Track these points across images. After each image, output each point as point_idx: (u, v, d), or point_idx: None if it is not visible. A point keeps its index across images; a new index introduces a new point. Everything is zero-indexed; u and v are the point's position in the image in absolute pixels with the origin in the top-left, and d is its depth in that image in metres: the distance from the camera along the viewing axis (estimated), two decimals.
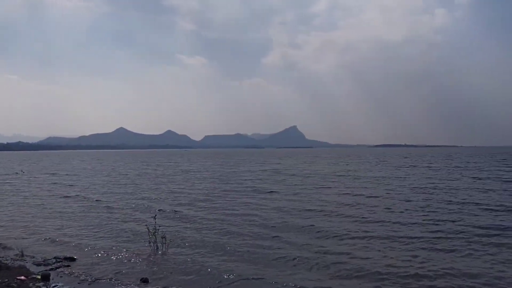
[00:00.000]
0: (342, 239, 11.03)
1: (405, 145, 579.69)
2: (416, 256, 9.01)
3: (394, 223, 12.86)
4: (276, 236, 11.29)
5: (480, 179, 27.92)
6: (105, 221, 14.03)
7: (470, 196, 18.41)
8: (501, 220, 12.85)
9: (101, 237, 11.75)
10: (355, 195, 20.02)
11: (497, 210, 14.77)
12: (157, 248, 9.93)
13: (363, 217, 13.98)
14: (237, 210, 15.90)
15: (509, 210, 14.57)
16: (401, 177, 29.77)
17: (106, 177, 34.79)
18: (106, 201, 19.11)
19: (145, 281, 7.78)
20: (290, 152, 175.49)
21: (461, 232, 11.47)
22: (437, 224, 12.44)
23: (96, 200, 19.53)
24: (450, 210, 15.04)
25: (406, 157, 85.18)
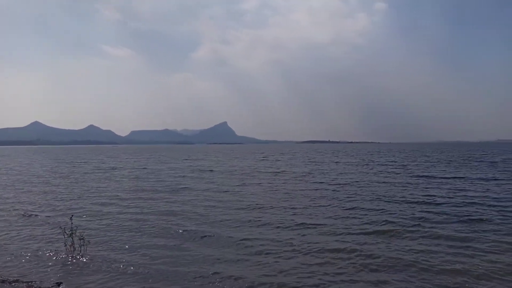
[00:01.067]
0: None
1: (329, 141, 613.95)
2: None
3: (325, 217, 13.47)
4: (198, 232, 11.26)
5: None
6: (14, 225, 12.93)
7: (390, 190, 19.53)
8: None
9: (11, 241, 10.89)
10: (276, 190, 20.58)
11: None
12: (74, 249, 9.56)
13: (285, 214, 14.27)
14: (158, 208, 15.55)
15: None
16: (325, 171, 31.40)
17: (15, 177, 31.37)
18: (12, 203, 17.31)
19: (59, 284, 7.58)
20: (220, 148, 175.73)
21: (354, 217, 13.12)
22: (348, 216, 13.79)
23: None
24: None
25: (323, 152, 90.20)
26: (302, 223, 12.32)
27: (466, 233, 10.73)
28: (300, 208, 15.23)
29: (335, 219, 13.16)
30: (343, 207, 15.44)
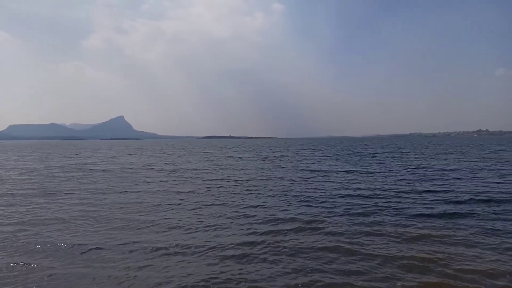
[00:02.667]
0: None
1: (230, 137, 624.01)
2: None
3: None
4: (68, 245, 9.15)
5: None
6: None
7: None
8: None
9: None
10: (167, 189, 18.66)
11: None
12: None
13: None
14: (22, 217, 12.39)
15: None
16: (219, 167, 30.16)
17: None
18: None
19: None
20: (114, 144, 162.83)
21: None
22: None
23: None
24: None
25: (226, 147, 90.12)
26: (190, 224, 11.01)
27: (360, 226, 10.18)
28: (192, 208, 13.90)
29: (231, 218, 12.16)
30: (240, 204, 14.44)
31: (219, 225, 11.19)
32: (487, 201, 14.45)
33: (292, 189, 18.23)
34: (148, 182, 21.47)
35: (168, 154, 57.57)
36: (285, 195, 16.61)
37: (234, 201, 15.20)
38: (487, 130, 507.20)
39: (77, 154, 59.29)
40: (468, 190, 17.18)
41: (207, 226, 11.11)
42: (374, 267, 7.77)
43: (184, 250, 8.91)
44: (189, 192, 17.89)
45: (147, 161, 40.37)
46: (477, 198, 15.01)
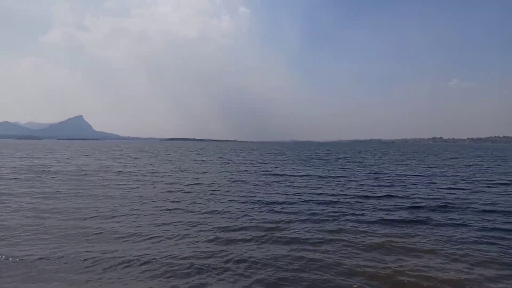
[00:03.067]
0: None
1: (194, 139, 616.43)
2: None
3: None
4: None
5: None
6: None
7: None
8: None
9: None
10: (125, 194, 17.59)
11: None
12: None
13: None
14: None
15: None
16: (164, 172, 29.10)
17: None
18: None
19: None
20: (72, 144, 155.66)
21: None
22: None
23: None
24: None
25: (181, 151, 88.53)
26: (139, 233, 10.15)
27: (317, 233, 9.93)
28: (151, 213, 13.26)
29: (192, 224, 11.61)
30: (201, 210, 13.86)
31: (179, 233, 10.56)
32: (443, 206, 14.83)
33: (255, 194, 17.86)
34: (105, 186, 20.31)
35: (128, 156, 55.48)
36: (248, 200, 16.20)
37: (196, 206, 14.60)
38: (441, 137, 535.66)
39: (30, 155, 55.71)
40: (424, 195, 17.63)
41: (167, 234, 10.48)
42: (335, 274, 7.55)
43: (141, 261, 8.28)
44: (148, 196, 17.02)
45: (105, 163, 38.56)
46: (434, 204, 15.38)
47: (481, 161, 49.01)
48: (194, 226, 11.46)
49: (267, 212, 13.53)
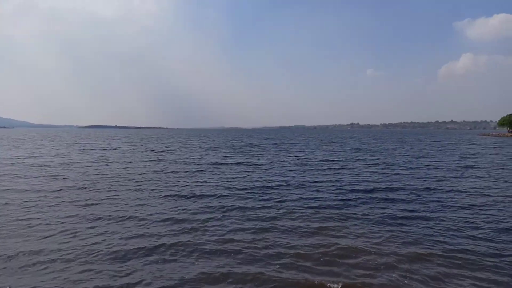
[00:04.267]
0: None
1: (116, 127, 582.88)
2: None
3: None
4: None
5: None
6: None
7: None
8: None
9: None
10: (27, 190, 15.27)
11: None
12: None
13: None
14: None
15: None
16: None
17: None
18: None
19: None
20: None
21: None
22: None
23: None
24: None
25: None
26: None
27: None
28: (63, 209, 11.82)
29: (115, 220, 10.47)
30: (124, 203, 12.55)
31: (99, 230, 9.42)
32: (370, 191, 15.34)
33: (182, 184, 16.87)
34: (12, 178, 17.65)
35: (38, 145, 49.81)
36: (174, 190, 15.25)
37: (117, 199, 13.28)
38: (358, 123, 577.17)
39: None
40: (349, 180, 18.24)
41: (81, 230, 9.37)
42: (273, 262, 7.08)
43: (48, 259, 7.34)
44: (61, 189, 15.06)
45: (10, 153, 34.02)
46: (358, 188, 15.90)
47: (397, 145, 53.31)
48: (119, 220, 10.17)
49: (194, 203, 12.67)
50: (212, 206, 12.40)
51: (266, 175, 20.22)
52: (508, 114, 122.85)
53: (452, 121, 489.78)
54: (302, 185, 16.91)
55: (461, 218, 10.97)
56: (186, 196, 14.16)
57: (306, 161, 28.41)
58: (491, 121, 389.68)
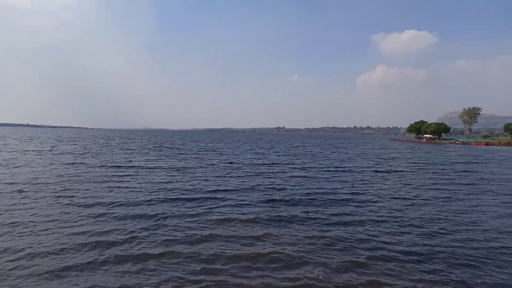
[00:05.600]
0: None
1: (27, 125, 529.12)
2: None
3: None
4: None
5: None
6: None
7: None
8: None
9: None
10: None
11: None
12: None
13: None
14: None
15: None
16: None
17: None
18: None
19: None
20: None
21: None
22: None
23: None
24: None
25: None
26: None
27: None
28: None
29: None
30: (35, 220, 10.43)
31: None
32: (303, 195, 15.31)
33: (104, 191, 15.19)
34: None
35: None
36: (97, 198, 13.63)
37: (31, 212, 11.29)
38: (284, 127, 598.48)
39: None
40: (280, 184, 18.15)
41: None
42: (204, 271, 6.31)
43: None
44: None
45: None
46: (290, 192, 15.81)
47: (322, 150, 55.64)
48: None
49: (108, 214, 11.35)
50: (140, 215, 11.23)
51: (196, 179, 19.29)
52: (416, 121, 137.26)
53: (368, 127, 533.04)
54: (235, 189, 16.36)
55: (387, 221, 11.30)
56: (110, 204, 12.71)
57: (236, 164, 27.96)
58: (401, 127, 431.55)
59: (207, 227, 10.22)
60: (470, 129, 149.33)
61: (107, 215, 11.23)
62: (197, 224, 10.55)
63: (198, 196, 14.75)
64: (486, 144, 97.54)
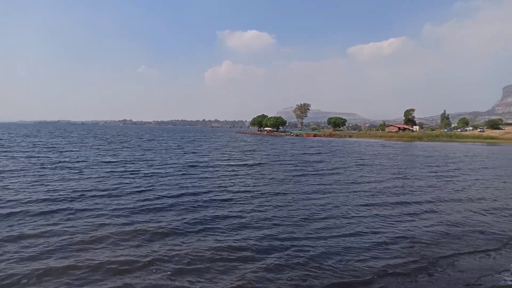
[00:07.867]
0: None
1: None
2: None
3: None
4: None
5: None
6: None
7: None
8: None
9: None
10: None
11: None
12: None
13: None
14: None
15: None
16: None
17: None
18: None
19: None
20: None
21: None
22: None
23: None
24: None
25: None
26: None
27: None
28: None
29: None
30: None
31: None
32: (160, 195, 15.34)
33: None
34: None
35: None
36: None
37: None
38: (131, 120, 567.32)
39: None
40: (141, 183, 17.74)
41: None
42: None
43: None
44: None
45: None
46: (155, 193, 15.69)
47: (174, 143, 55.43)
48: None
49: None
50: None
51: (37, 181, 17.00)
52: (257, 115, 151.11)
53: (216, 120, 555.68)
54: (81, 194, 15.17)
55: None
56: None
57: (82, 163, 25.51)
58: (246, 120, 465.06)
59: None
60: (302, 122, 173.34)
61: None
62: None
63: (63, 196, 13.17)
64: (314, 135, 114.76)
